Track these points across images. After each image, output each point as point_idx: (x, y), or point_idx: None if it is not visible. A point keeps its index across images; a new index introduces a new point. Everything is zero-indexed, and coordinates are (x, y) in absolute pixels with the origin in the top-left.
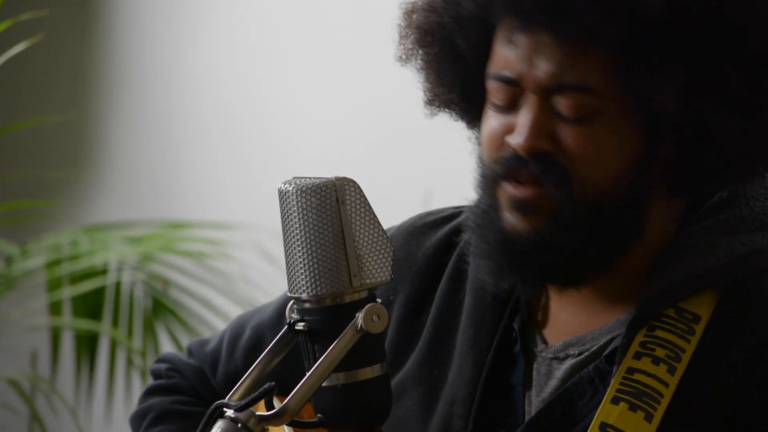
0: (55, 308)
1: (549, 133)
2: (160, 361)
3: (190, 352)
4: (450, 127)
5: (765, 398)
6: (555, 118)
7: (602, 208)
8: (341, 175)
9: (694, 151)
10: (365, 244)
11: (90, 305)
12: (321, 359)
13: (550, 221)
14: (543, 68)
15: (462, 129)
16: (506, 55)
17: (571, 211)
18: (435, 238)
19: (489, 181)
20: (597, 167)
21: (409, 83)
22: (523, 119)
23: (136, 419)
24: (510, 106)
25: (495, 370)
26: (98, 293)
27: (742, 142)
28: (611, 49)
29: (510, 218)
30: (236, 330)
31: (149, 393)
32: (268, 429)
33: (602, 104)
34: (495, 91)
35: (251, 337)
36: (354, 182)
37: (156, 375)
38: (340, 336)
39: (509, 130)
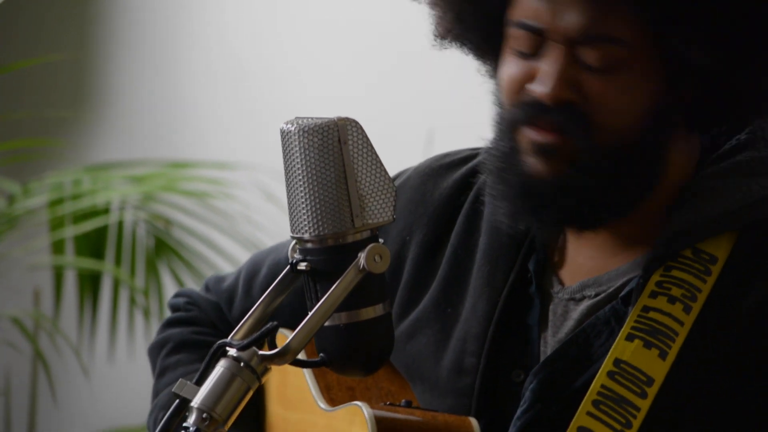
0: (57, 247)
1: (573, 83)
2: (178, 295)
3: (207, 288)
4: (452, 68)
5: None
6: (579, 67)
7: (623, 154)
8: (344, 115)
9: (716, 94)
10: (367, 184)
11: (92, 244)
12: (323, 299)
13: (571, 166)
14: (571, 20)
15: (465, 69)
16: (532, 5)
17: (592, 157)
18: (451, 180)
19: (509, 125)
20: (619, 115)
21: (412, 23)
22: (548, 68)
23: (155, 349)
24: (532, 54)
25: (510, 311)
26: (100, 232)
27: (764, 88)
28: (640, 1)
29: (531, 162)
30: (253, 267)
31: (168, 324)
32: (270, 368)
33: (628, 54)
34: (518, 37)
35: (267, 275)
36: (356, 122)
37: (174, 308)
38: (343, 276)
39: (530, 76)
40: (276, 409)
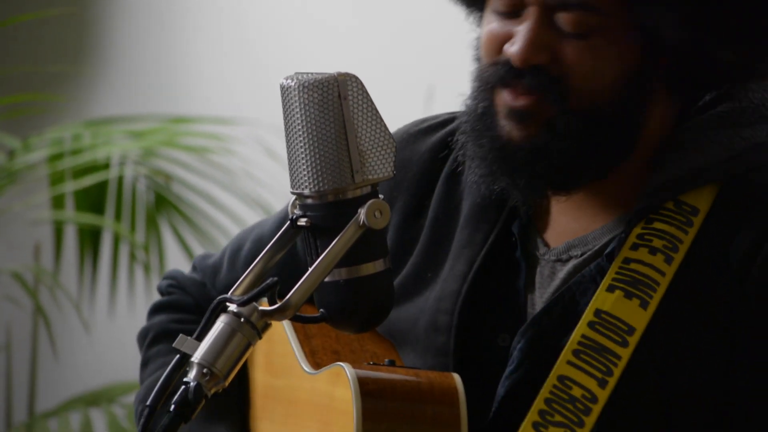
0: (57, 202)
1: (546, 47)
2: (165, 278)
3: (194, 267)
4: (452, 24)
5: (762, 291)
6: (554, 31)
7: (597, 118)
8: (344, 70)
9: (690, 63)
10: (367, 139)
11: (92, 199)
12: (323, 254)
13: (545, 130)
14: None
15: (465, 25)
16: None
17: (566, 122)
18: (430, 143)
19: (485, 86)
20: (594, 80)
21: None
22: (522, 30)
23: (141, 338)
24: (512, 14)
25: (493, 274)
26: (101, 187)
27: (738, 61)
28: None
29: (506, 125)
30: (237, 244)
31: (152, 311)
32: (271, 323)
33: (603, 21)
34: None
35: (251, 249)
36: (356, 78)
37: (160, 292)
38: (343, 231)
39: (509, 36)
40: (263, 377)
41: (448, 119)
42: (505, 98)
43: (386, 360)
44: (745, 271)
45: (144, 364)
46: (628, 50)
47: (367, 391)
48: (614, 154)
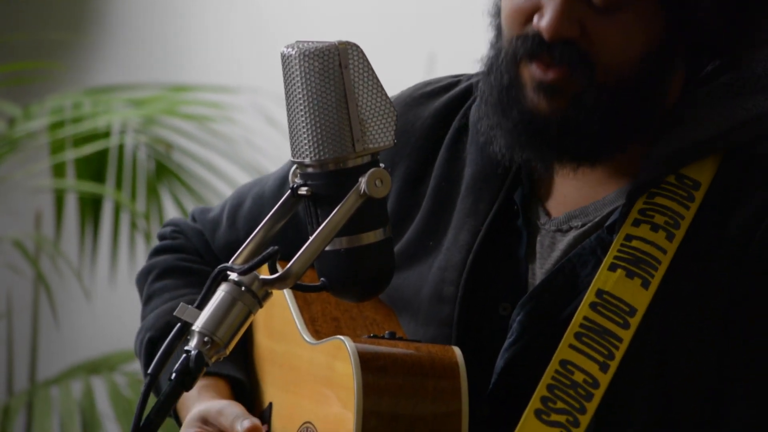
0: (58, 170)
1: (577, 20)
2: (166, 225)
3: (194, 218)
4: None
5: (760, 266)
6: (584, 5)
7: (623, 92)
8: (344, 39)
9: (714, 35)
10: (368, 108)
11: (93, 168)
12: (324, 223)
13: (574, 104)
14: None
15: None
16: None
17: (594, 95)
18: (433, 108)
19: (511, 58)
20: (621, 54)
21: None
22: (552, 3)
23: (142, 277)
24: None
25: (495, 243)
26: (101, 156)
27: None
28: None
29: (534, 98)
30: (237, 200)
31: (154, 253)
32: (271, 292)
33: None
34: None
35: (251, 207)
36: (357, 46)
37: (161, 237)
38: (343, 200)
39: (535, 8)
40: (263, 340)
41: (452, 83)
42: (533, 71)
43: (387, 332)
44: (744, 246)
45: (148, 299)
46: (654, 24)
47: (367, 365)
48: (637, 127)
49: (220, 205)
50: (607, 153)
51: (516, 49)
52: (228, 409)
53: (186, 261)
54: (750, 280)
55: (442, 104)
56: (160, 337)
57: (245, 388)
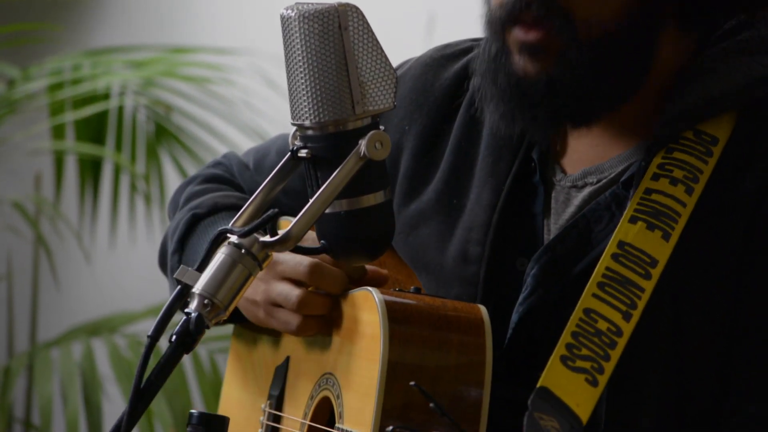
0: (57, 132)
1: None
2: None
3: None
4: None
5: None
6: None
7: (608, 47)
8: (344, 0)
9: None
10: (368, 71)
11: (93, 129)
12: (324, 186)
13: (558, 62)
14: None
15: None
16: None
17: (577, 52)
18: (452, 70)
19: (496, 26)
20: (600, 8)
21: None
22: None
23: (181, 188)
24: None
25: (514, 200)
26: (101, 117)
27: None
28: None
29: (519, 62)
30: (261, 151)
31: (189, 181)
32: (271, 255)
33: None
34: None
35: (274, 159)
36: (357, 8)
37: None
38: (343, 163)
39: None
40: None
41: (471, 46)
42: (516, 35)
43: (412, 287)
44: (759, 200)
45: (190, 197)
46: None
47: (394, 316)
48: (628, 83)
49: (243, 153)
50: (600, 111)
51: (499, 16)
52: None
53: (228, 173)
54: (764, 235)
55: (461, 66)
56: (206, 215)
57: None
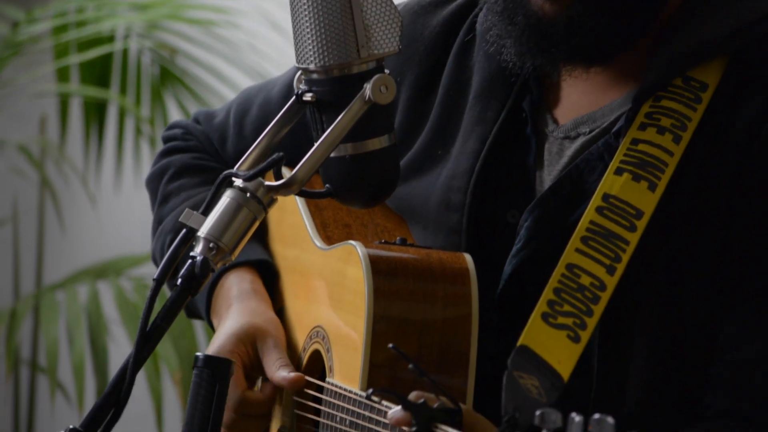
0: (62, 74)
1: None
2: (172, 127)
3: (197, 121)
4: None
5: (763, 165)
6: None
7: None
8: None
9: None
10: (373, 14)
11: (97, 72)
12: (329, 129)
13: (576, 1)
14: None
15: None
16: None
17: None
18: (441, 17)
19: None
20: None
21: None
22: None
23: (155, 178)
24: None
25: (505, 152)
26: (105, 60)
27: None
28: None
29: (538, 1)
30: (243, 106)
31: (165, 153)
32: (276, 198)
33: None
34: None
35: (258, 115)
36: None
37: (169, 138)
38: (348, 106)
39: None
40: (276, 246)
41: None
42: None
43: (398, 238)
44: (747, 145)
45: (164, 199)
46: None
47: (378, 270)
48: (643, 20)
49: (224, 110)
50: (617, 49)
51: None
52: (269, 342)
53: (201, 159)
54: (753, 179)
55: (450, 13)
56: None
57: (271, 270)
